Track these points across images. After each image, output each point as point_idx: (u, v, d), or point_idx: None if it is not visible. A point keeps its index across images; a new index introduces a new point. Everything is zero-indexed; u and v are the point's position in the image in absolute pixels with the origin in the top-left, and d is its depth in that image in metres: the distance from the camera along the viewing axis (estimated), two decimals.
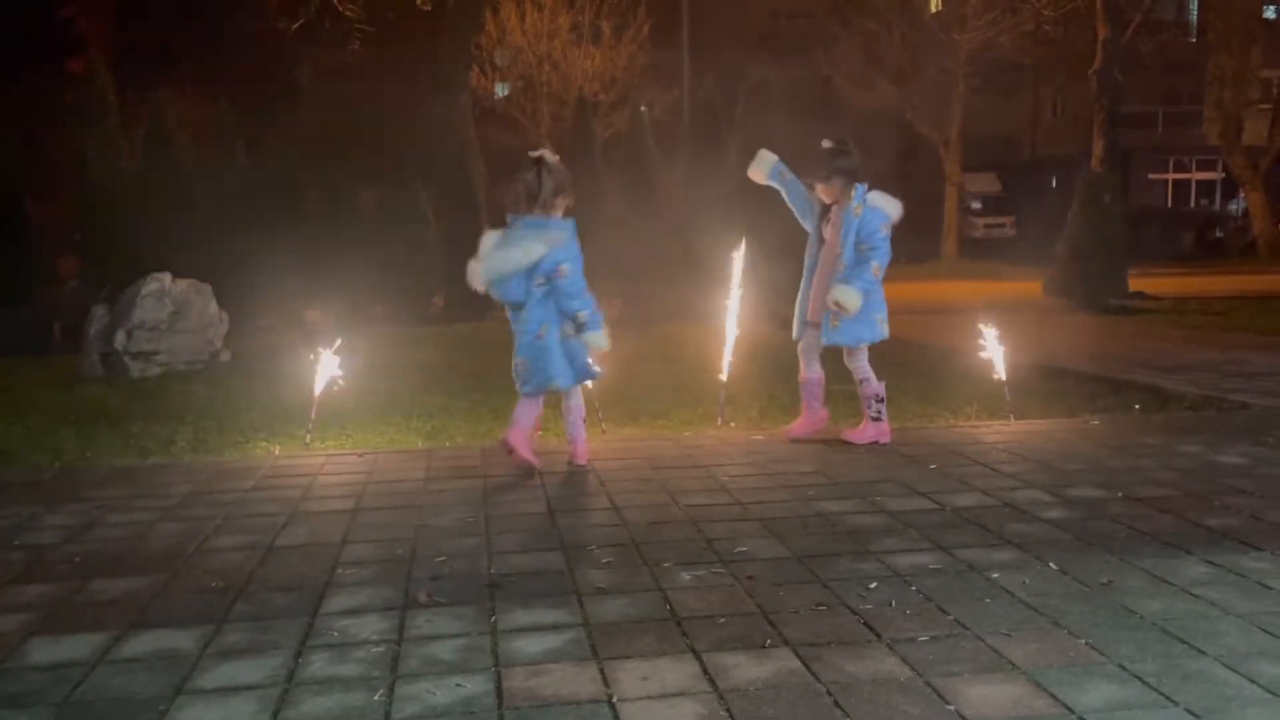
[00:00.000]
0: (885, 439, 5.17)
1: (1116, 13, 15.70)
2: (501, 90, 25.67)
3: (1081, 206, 13.61)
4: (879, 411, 5.18)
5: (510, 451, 4.65)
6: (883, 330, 5.17)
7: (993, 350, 5.90)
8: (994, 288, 16.09)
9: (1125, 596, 2.99)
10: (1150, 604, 2.93)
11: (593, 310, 4.57)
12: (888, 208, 5.05)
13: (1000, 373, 5.88)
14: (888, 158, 28.54)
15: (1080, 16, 21.70)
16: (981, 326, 5.96)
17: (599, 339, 4.61)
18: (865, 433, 5.19)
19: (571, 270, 4.50)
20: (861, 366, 5.19)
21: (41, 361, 9.07)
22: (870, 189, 5.05)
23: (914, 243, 26.10)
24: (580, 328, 4.57)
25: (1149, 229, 29.57)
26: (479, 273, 4.55)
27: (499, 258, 4.50)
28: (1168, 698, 2.37)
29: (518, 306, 4.58)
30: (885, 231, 5.01)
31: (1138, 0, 18.13)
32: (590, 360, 4.66)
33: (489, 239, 4.60)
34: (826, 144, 5.07)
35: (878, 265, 5.01)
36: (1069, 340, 9.73)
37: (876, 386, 5.19)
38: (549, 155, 4.63)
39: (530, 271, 4.48)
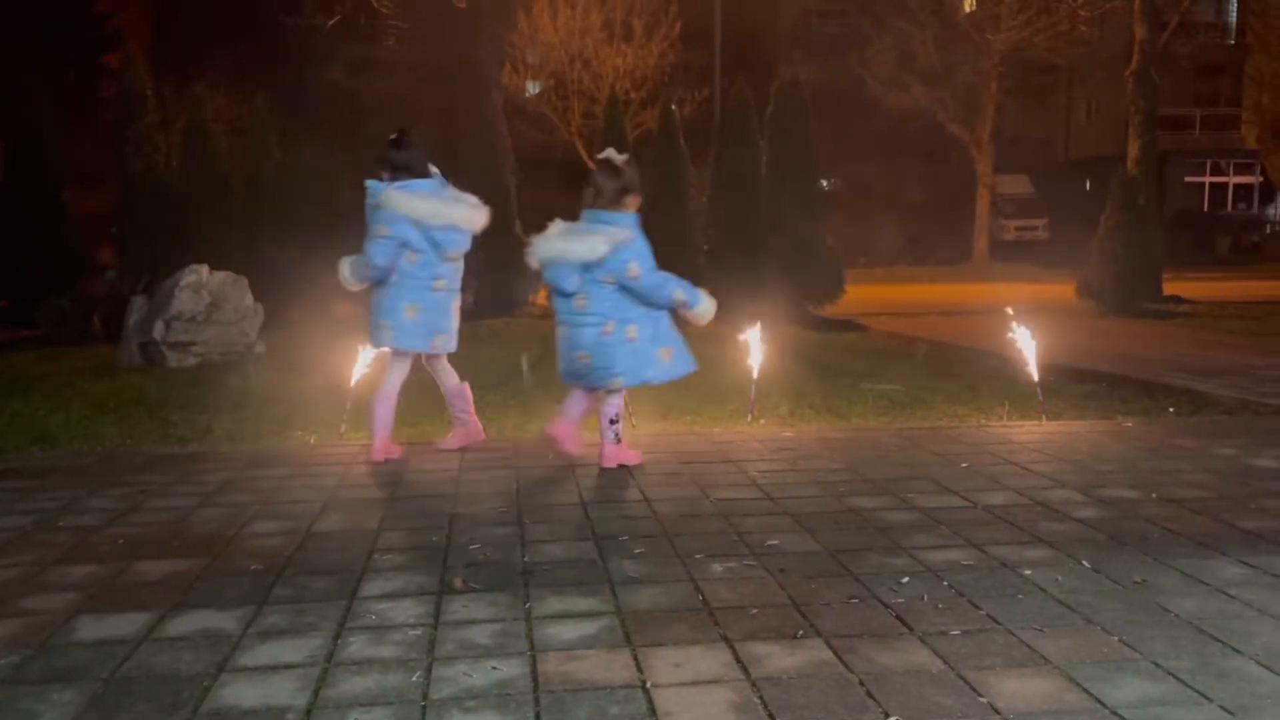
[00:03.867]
0: (478, 438, 5.12)
1: (1154, 13, 15.53)
2: (533, 88, 25.74)
3: (1116, 209, 13.47)
4: (463, 411, 5.09)
5: (556, 443, 4.73)
6: (405, 341, 4.82)
7: (1025, 350, 5.89)
8: (1026, 290, 15.97)
9: (1159, 595, 2.99)
10: (1184, 603, 2.93)
11: (686, 287, 4.64)
12: (401, 207, 4.66)
13: (1033, 374, 5.87)
14: (919, 159, 28.41)
15: (1117, 17, 21.49)
16: (1013, 325, 5.94)
17: (704, 309, 4.71)
18: (453, 440, 5.11)
19: (643, 268, 4.50)
20: (439, 371, 5.07)
21: (80, 350, 9.23)
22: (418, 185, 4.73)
23: (945, 244, 26.02)
24: (683, 306, 4.65)
25: (1184, 233, 29.26)
26: (536, 250, 4.60)
27: (559, 246, 4.54)
28: (1202, 695, 2.37)
29: (567, 296, 4.57)
30: (383, 232, 4.65)
31: (1176, 1, 17.89)
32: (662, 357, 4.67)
33: (556, 225, 4.65)
34: (391, 138, 4.85)
35: (367, 261, 4.70)
36: (1102, 343, 9.66)
37: (460, 388, 5.08)
38: (615, 155, 4.66)
39: (590, 267, 4.48)
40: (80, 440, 5.35)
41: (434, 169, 4.86)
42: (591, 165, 4.83)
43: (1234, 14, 31.70)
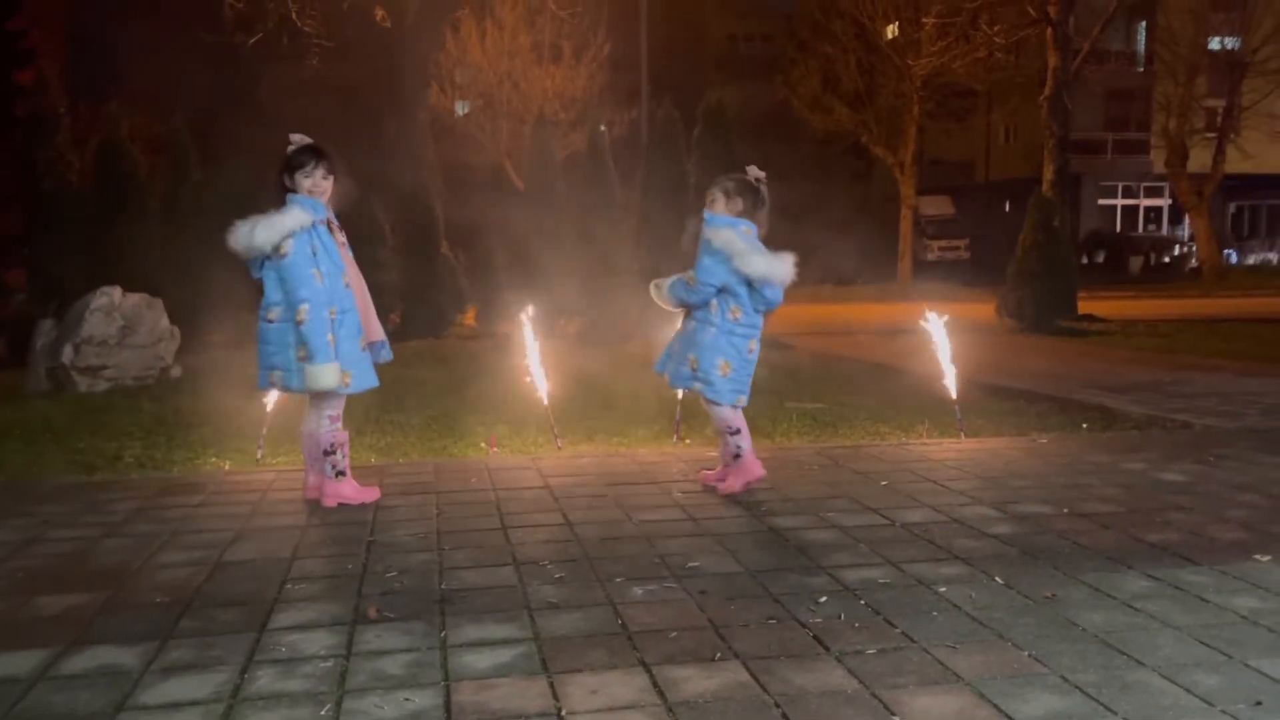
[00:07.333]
0: (372, 497, 4.43)
1: (1066, 41, 16.06)
2: (461, 108, 25.65)
3: (1032, 230, 13.85)
4: (337, 464, 4.34)
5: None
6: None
7: (943, 361, 6.00)
8: (947, 309, 16.31)
9: (1068, 609, 3.05)
10: (1092, 616, 2.99)
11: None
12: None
13: (951, 390, 5.97)
14: (844, 180, 28.91)
15: (1031, 44, 22.15)
16: (929, 317, 6.05)
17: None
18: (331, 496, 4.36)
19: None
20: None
21: None
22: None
23: (869, 265, 26.47)
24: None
25: (1098, 253, 30.21)
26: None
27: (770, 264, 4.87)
28: (1107, 707, 2.41)
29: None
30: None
31: (1087, 29, 18.52)
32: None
33: (752, 239, 4.87)
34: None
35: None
36: (1019, 361, 9.89)
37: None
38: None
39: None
40: None
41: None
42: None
43: (1142, 42, 32.89)
